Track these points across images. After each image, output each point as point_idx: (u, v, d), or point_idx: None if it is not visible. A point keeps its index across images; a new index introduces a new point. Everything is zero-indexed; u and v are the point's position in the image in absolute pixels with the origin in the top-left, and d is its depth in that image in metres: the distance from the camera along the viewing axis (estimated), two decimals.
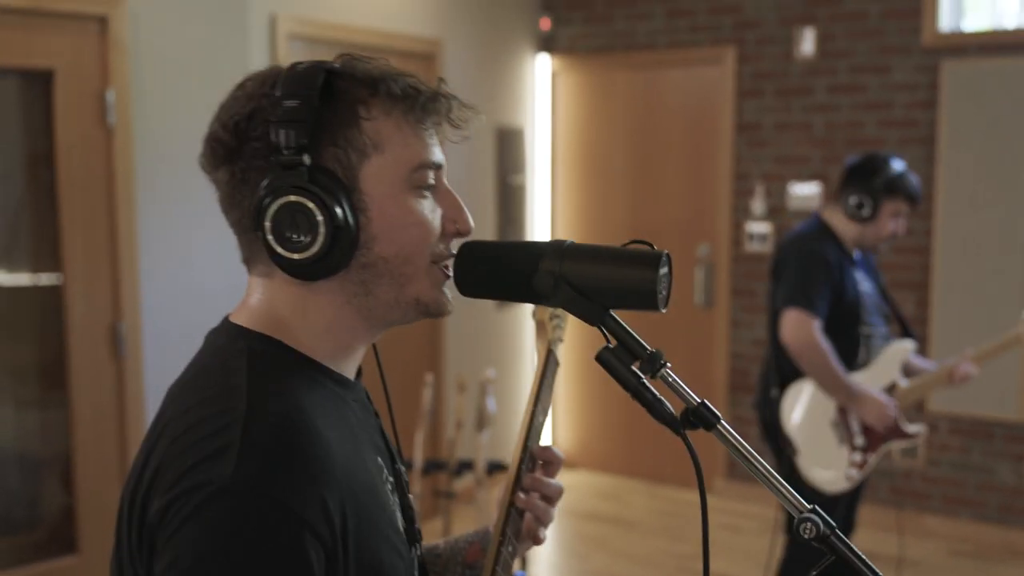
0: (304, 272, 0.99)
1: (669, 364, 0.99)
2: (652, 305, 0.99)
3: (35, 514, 3.80)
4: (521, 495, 1.24)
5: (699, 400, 0.99)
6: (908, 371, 3.37)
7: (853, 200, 3.21)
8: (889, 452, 4.79)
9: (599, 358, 1.00)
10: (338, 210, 0.97)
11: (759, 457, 0.99)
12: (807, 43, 4.93)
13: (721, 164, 5.24)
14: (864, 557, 0.96)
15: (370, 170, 1.00)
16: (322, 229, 0.96)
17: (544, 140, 5.74)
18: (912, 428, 3.29)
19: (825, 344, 3.14)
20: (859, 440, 3.24)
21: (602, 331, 1.01)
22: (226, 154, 1.00)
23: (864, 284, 3.29)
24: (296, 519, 0.87)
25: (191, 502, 0.87)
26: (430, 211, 1.04)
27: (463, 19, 5.08)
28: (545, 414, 1.34)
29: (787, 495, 0.98)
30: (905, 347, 3.32)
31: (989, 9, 4.82)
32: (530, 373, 5.69)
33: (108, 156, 3.61)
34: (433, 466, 3.48)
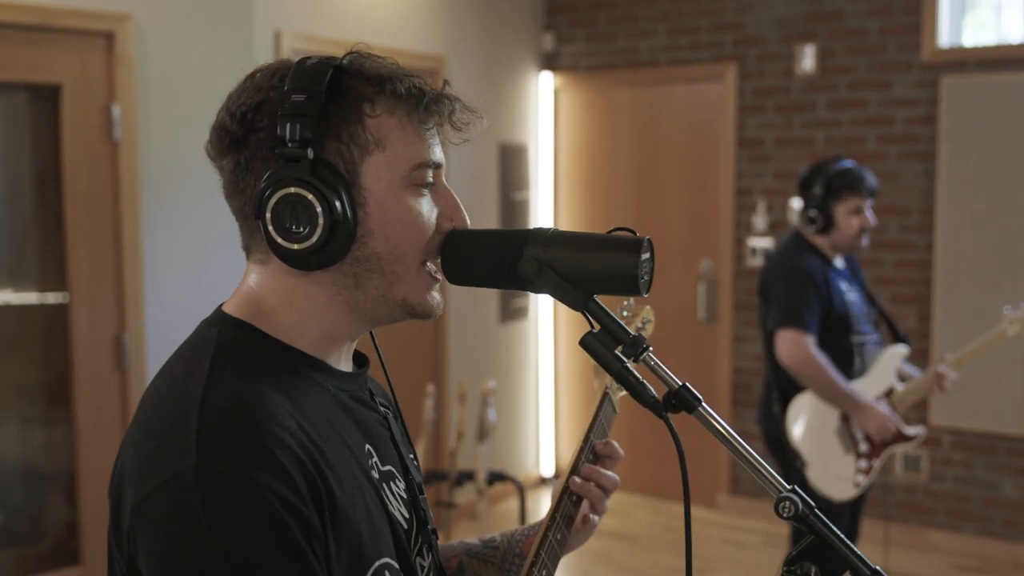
0: (300, 262, 1.01)
1: (651, 348, 1.01)
2: (634, 290, 1.01)
3: (40, 527, 3.82)
4: (577, 479, 1.29)
5: (681, 383, 1.01)
6: (900, 376, 3.44)
7: (808, 215, 3.31)
8: (892, 468, 4.79)
9: (583, 342, 1.02)
10: (337, 203, 0.99)
11: (739, 439, 1.01)
12: (808, 59, 4.97)
13: (723, 180, 5.27)
14: (843, 537, 0.98)
15: (371, 166, 1.02)
16: (321, 221, 0.98)
17: (547, 156, 5.78)
18: (912, 431, 3.34)
19: (822, 359, 3.19)
20: (863, 447, 3.29)
21: (586, 316, 1.03)
22: (232, 143, 1.02)
23: (850, 294, 3.35)
24: (265, 488, 0.89)
25: (162, 499, 0.90)
26: (427, 209, 1.06)
27: (466, 37, 5.13)
28: (594, 455, 1.38)
29: (767, 476, 0.99)
30: (899, 352, 3.38)
31: (988, 25, 4.86)
32: (532, 384, 5.71)
33: (114, 171, 3.65)
34: (434, 476, 3.49)
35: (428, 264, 1.06)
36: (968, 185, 4.60)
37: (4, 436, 3.72)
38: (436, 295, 1.09)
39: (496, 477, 3.33)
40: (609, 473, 1.32)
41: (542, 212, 5.77)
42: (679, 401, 1.00)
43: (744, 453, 1.00)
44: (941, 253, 4.68)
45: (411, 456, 1.19)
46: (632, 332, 1.02)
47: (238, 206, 1.05)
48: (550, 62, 5.74)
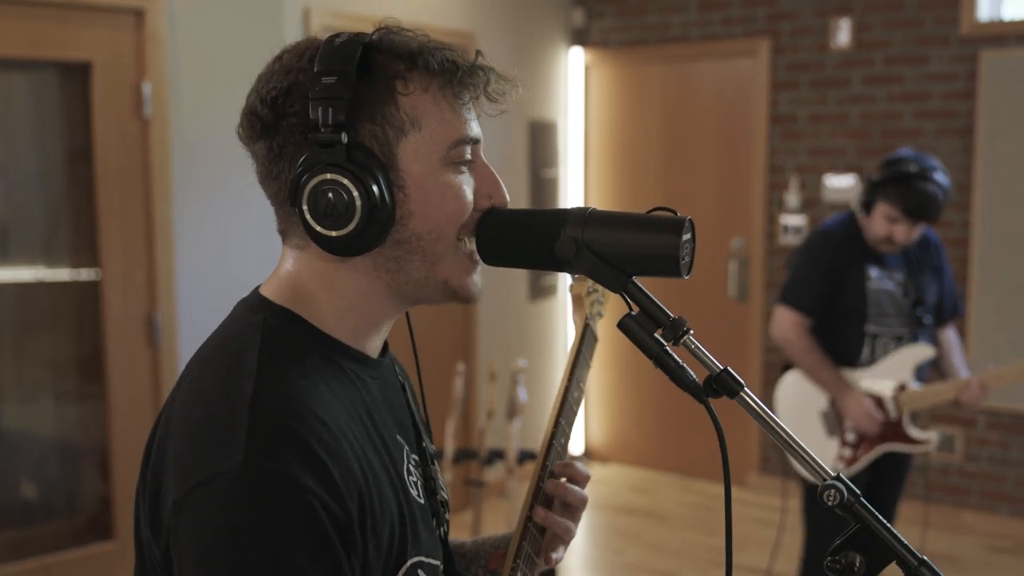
0: (339, 248, 0.98)
1: (692, 331, 0.99)
2: (675, 271, 0.98)
3: (73, 502, 3.86)
4: (540, 510, 1.19)
5: (722, 367, 0.98)
6: (944, 373, 3.28)
7: (861, 195, 3.16)
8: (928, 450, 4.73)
9: (621, 325, 1.00)
10: (374, 188, 0.96)
11: (783, 424, 0.98)
12: (843, 34, 4.89)
13: (755, 157, 5.21)
14: (888, 525, 0.95)
15: (408, 147, 0.99)
16: (358, 206, 0.95)
17: (577, 134, 5.73)
18: (918, 434, 3.16)
19: (807, 341, 3.15)
20: (850, 436, 3.18)
21: (624, 298, 1.00)
22: (263, 128, 0.99)
23: (884, 282, 3.14)
24: (310, 494, 0.88)
25: (207, 494, 0.88)
26: (467, 186, 1.02)
27: (496, 12, 5.08)
28: (580, 390, 1.33)
29: (811, 462, 0.97)
30: (922, 351, 3.17)
31: None
32: (561, 363, 5.69)
33: (145, 148, 3.65)
34: (464, 455, 3.49)
35: (465, 242, 1.03)
36: (1007, 161, 4.52)
37: (39, 411, 3.76)
38: (477, 279, 1.06)
39: (526, 456, 3.32)
40: (577, 489, 1.22)
41: (572, 190, 5.73)
42: (720, 385, 0.97)
43: (786, 439, 0.98)
44: (979, 231, 4.60)
45: (424, 423, 1.18)
46: (671, 315, 0.99)
47: (273, 191, 1.02)
48: (580, 38, 5.68)
